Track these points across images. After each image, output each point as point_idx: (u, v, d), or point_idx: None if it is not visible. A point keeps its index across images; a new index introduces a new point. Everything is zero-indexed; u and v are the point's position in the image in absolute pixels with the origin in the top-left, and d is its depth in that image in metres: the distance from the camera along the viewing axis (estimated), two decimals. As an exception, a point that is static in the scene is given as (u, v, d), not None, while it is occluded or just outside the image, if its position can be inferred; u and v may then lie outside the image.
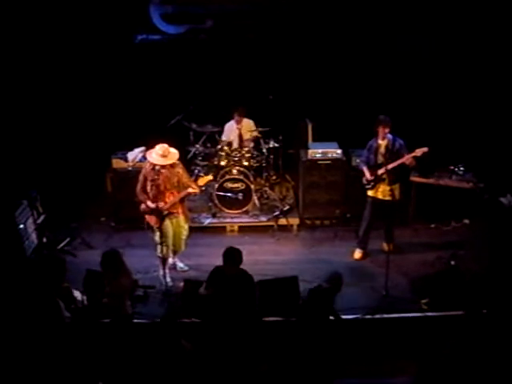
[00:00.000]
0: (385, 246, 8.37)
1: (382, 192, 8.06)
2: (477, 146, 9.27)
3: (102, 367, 6.14)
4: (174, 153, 7.46)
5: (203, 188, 8.64)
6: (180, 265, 8.14)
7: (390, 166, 7.81)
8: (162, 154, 7.30)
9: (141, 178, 7.51)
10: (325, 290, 6.15)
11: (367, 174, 8.09)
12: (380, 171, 7.96)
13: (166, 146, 7.38)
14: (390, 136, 7.93)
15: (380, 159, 8.01)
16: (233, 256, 6.41)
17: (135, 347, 6.38)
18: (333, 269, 6.45)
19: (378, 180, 8.04)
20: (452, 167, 9.11)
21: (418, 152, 7.73)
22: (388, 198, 7.90)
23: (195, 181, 7.83)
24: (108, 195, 9.49)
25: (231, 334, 6.23)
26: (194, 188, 7.44)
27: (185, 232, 7.82)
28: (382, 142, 7.97)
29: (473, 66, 9.56)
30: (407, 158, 7.80)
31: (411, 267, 8.16)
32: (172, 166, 7.41)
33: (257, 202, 9.46)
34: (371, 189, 8.13)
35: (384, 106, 9.13)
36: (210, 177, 7.99)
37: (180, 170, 7.49)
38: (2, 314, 6.49)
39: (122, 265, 6.36)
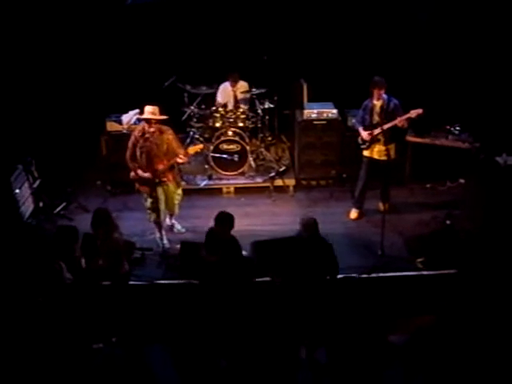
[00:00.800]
0: (380, 206, 8.41)
1: (377, 152, 8.07)
2: (473, 106, 9.21)
3: (105, 328, 6.25)
4: (162, 116, 7.41)
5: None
6: (178, 227, 8.18)
7: (385, 127, 7.80)
8: (151, 112, 7.29)
9: (129, 145, 7.48)
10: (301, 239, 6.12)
11: (363, 134, 8.07)
12: (375, 131, 7.94)
13: (156, 107, 7.35)
14: (385, 96, 7.89)
15: (375, 119, 7.98)
16: (225, 221, 6.32)
17: (134, 307, 6.47)
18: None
19: (373, 140, 8.03)
20: (448, 127, 9.08)
21: (413, 113, 7.70)
22: (384, 157, 7.87)
23: (188, 147, 7.81)
24: (103, 158, 9.46)
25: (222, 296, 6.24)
26: (181, 158, 7.40)
27: (178, 197, 7.85)
28: (377, 102, 7.94)
29: (469, 25, 9.44)
30: (400, 120, 7.78)
31: (407, 227, 8.21)
32: (161, 132, 7.37)
33: (252, 163, 9.45)
34: (366, 149, 8.14)
35: (380, 65, 9.05)
36: (201, 146, 7.95)
37: (170, 136, 7.43)
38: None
39: (112, 222, 6.40)
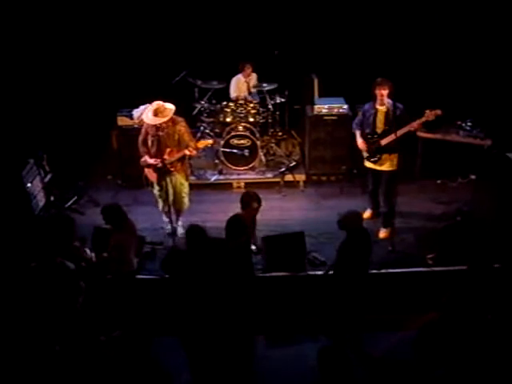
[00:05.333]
0: (381, 233, 7.83)
1: (379, 162, 7.60)
2: (484, 101, 9.16)
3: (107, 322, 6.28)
4: (170, 109, 7.25)
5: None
6: (181, 231, 7.83)
7: (399, 133, 7.15)
8: (153, 113, 7.16)
9: (143, 130, 7.51)
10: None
11: (359, 142, 7.62)
12: (384, 141, 7.40)
13: (160, 103, 7.23)
14: (389, 101, 7.27)
15: (379, 127, 7.44)
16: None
17: (141, 302, 6.49)
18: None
19: (382, 151, 7.46)
20: (459, 122, 9.04)
21: (430, 116, 7.15)
22: (387, 168, 7.53)
23: (198, 141, 7.80)
24: (114, 153, 9.49)
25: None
26: (190, 151, 7.34)
27: (185, 189, 7.72)
28: (381, 108, 7.38)
29: (481, 20, 9.38)
30: (417, 124, 7.20)
31: (417, 222, 8.17)
32: (173, 122, 7.32)
33: (263, 158, 9.45)
34: (376, 161, 7.60)
35: (391, 59, 9.02)
36: (210, 141, 7.93)
37: (182, 127, 7.38)
38: (10, 272, 6.58)
39: (123, 218, 6.41)
